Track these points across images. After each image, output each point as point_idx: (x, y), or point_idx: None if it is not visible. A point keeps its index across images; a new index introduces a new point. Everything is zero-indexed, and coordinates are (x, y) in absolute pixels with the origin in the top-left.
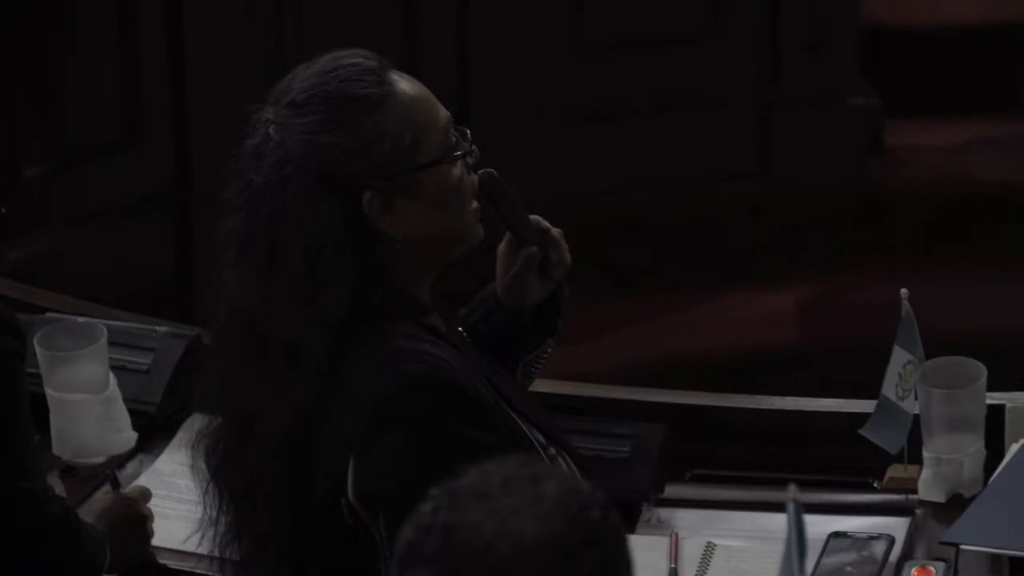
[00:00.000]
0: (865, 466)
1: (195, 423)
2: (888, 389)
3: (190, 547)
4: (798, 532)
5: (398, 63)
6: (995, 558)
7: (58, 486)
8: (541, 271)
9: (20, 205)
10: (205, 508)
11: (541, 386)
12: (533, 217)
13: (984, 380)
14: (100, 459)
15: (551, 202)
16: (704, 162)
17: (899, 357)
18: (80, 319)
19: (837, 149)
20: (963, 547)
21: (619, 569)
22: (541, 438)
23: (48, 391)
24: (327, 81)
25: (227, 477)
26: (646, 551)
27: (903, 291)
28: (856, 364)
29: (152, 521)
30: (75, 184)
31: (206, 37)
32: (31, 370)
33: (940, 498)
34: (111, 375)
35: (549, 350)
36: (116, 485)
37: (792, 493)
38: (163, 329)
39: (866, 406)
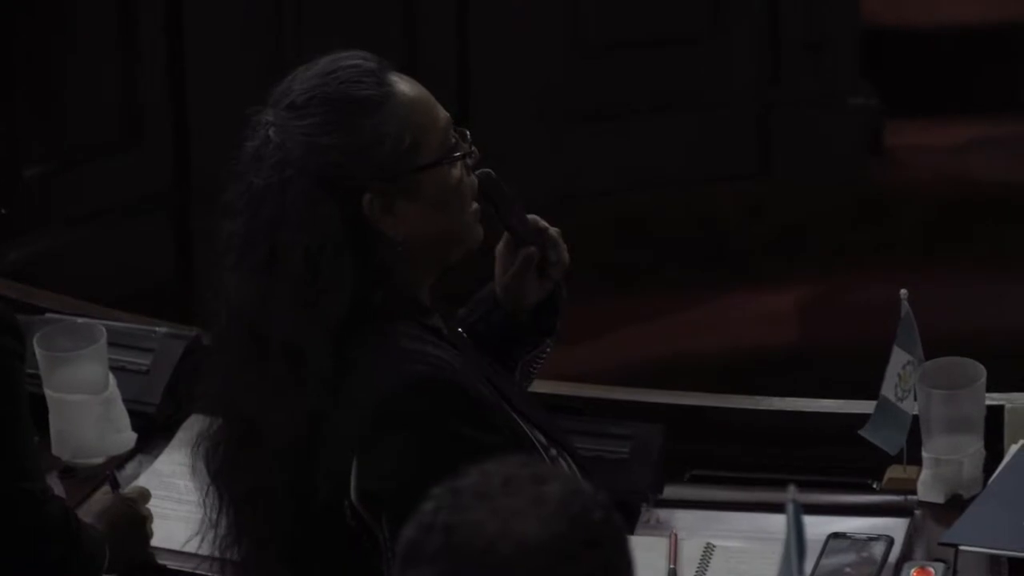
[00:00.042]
0: (864, 467)
1: (194, 424)
2: (887, 390)
3: (190, 548)
4: (797, 533)
5: (398, 63)
6: (994, 559)
7: (57, 487)
8: (539, 271)
9: (20, 205)
10: (205, 510)
11: (540, 386)
12: (531, 217)
13: (983, 381)
14: (99, 460)
15: (551, 202)
16: (704, 162)
17: (898, 358)
18: (79, 320)
19: (837, 149)
20: (962, 548)
21: (620, 570)
22: (542, 439)
23: (47, 392)
24: (326, 83)
25: (228, 480)
26: (645, 552)
27: (903, 292)
28: (856, 364)
29: (151, 522)
30: (75, 184)
31: (206, 37)
32: (30, 371)
33: (939, 499)
34: (110, 376)
35: (548, 350)
36: (115, 486)
37: (791, 494)
38: (162, 330)
39: (865, 407)
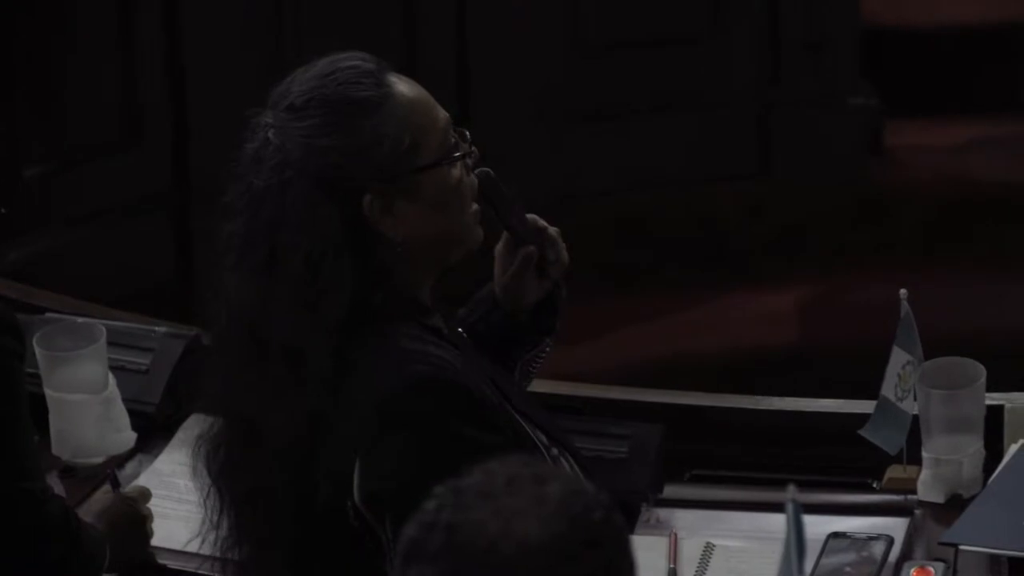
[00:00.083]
0: (864, 466)
1: (194, 423)
2: (887, 390)
3: (190, 548)
4: (797, 532)
5: (397, 64)
6: (994, 558)
7: (57, 486)
8: (539, 270)
9: (20, 205)
10: (206, 512)
11: (539, 386)
12: (530, 216)
13: (983, 381)
14: (99, 459)
15: (551, 202)
16: (704, 162)
17: (898, 358)
18: (79, 319)
19: (837, 149)
20: (962, 547)
21: (622, 570)
22: (544, 439)
23: (47, 391)
24: (325, 84)
25: (229, 481)
26: (645, 551)
27: (902, 292)
28: (856, 364)
29: (152, 521)
30: (75, 184)
31: (206, 37)
32: (30, 370)
33: (939, 498)
34: (110, 375)
35: (547, 350)
36: (116, 485)
37: (791, 493)
38: (162, 329)
39: (865, 406)
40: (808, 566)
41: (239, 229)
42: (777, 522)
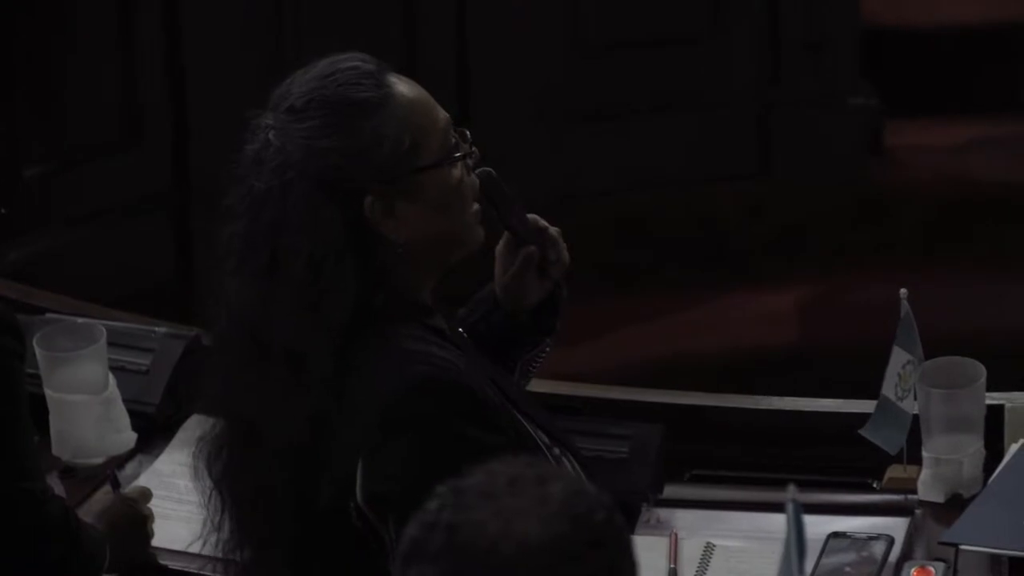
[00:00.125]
0: (864, 466)
1: (195, 424)
2: (888, 389)
3: (191, 548)
4: (797, 532)
5: (397, 64)
6: (994, 558)
7: (58, 487)
8: (540, 271)
9: (20, 205)
10: (208, 514)
11: (539, 386)
12: (531, 216)
13: (983, 380)
14: (99, 460)
15: (551, 202)
16: (704, 162)
17: (898, 357)
18: (79, 320)
19: (837, 149)
20: (962, 547)
21: (623, 571)
22: (545, 439)
23: (48, 392)
24: (325, 86)
25: (231, 484)
26: (645, 551)
27: (902, 291)
28: (856, 364)
29: (152, 521)
30: (75, 184)
31: (206, 37)
32: (30, 371)
33: (939, 498)
34: (110, 376)
35: (547, 350)
36: (116, 486)
37: (791, 493)
38: (162, 330)
39: (865, 406)
40: (808, 566)
41: (240, 231)
42: (777, 522)
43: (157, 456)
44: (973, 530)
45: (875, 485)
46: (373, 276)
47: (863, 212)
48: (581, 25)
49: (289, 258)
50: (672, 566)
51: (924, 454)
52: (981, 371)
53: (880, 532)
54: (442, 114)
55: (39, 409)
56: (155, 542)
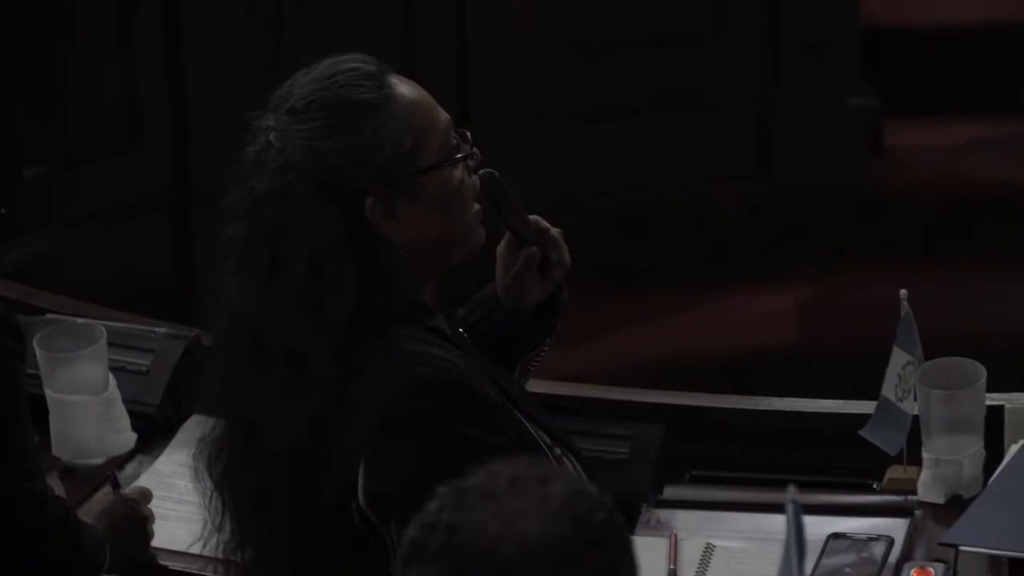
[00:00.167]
0: (864, 467)
1: (195, 424)
2: (888, 390)
3: (191, 549)
4: (797, 533)
5: (397, 64)
6: (994, 559)
7: (58, 487)
8: (541, 271)
9: (20, 205)
10: (209, 515)
11: (539, 387)
12: (532, 217)
13: (983, 381)
14: (99, 460)
15: (551, 202)
16: (704, 162)
17: (898, 358)
18: (79, 320)
19: (837, 149)
20: (962, 548)
21: (623, 571)
22: (547, 439)
23: (48, 392)
24: (326, 87)
25: (231, 485)
26: (645, 552)
27: (902, 292)
28: (856, 364)
29: (152, 522)
30: (75, 184)
31: (206, 37)
32: (31, 371)
33: (939, 499)
34: (110, 376)
35: (546, 350)
36: (116, 486)
37: (791, 494)
38: (162, 330)
39: (865, 407)
40: (808, 567)
41: (240, 233)
42: (777, 523)
43: (157, 457)
44: (973, 531)
45: (875, 486)
46: (374, 277)
47: (863, 212)
48: (581, 25)
49: (290, 259)
50: (672, 567)
51: (924, 455)
52: (981, 372)
53: (880, 533)
54: (443, 115)
55: (39, 409)
56: (155, 543)
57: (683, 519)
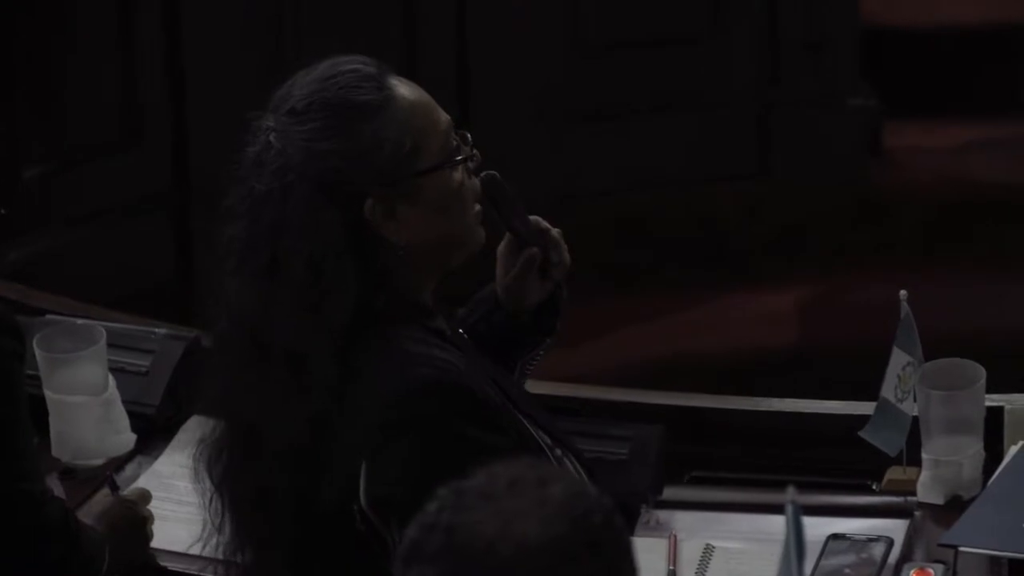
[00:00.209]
0: (864, 468)
1: (194, 425)
2: (887, 391)
3: (191, 550)
4: (797, 534)
5: (397, 64)
6: (994, 560)
7: (57, 488)
8: (541, 272)
9: (20, 205)
10: (209, 516)
11: (539, 388)
12: (533, 218)
13: (983, 382)
14: (99, 461)
15: (551, 202)
16: (704, 162)
17: (898, 359)
18: (79, 321)
19: (837, 149)
20: (962, 549)
21: (622, 573)
22: (548, 440)
23: (47, 393)
24: (326, 88)
25: (232, 486)
26: (645, 553)
27: (902, 293)
28: (856, 364)
29: (152, 523)
30: (75, 184)
31: (206, 37)
32: (30, 372)
33: (939, 500)
34: (110, 377)
35: (545, 350)
36: (115, 487)
37: (791, 495)
38: (162, 331)
39: (864, 408)
40: (808, 568)
41: (240, 233)
42: (777, 524)
43: (156, 458)
44: (972, 532)
45: (875, 487)
46: (374, 278)
47: (863, 212)
48: (581, 25)
49: (289, 260)
50: (671, 568)
51: (924, 456)
52: (981, 373)
53: (879, 534)
54: (443, 117)
55: (39, 410)
56: (154, 544)
57: (682, 520)
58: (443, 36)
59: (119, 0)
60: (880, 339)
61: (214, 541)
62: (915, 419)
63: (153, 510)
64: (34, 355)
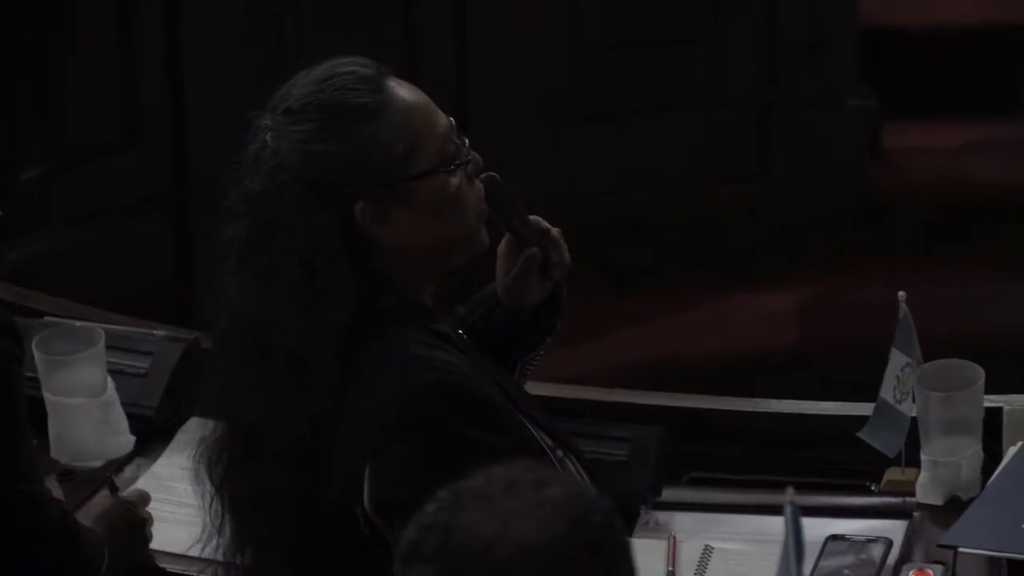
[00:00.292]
0: (862, 469)
1: (193, 427)
2: (886, 392)
3: (190, 552)
4: (796, 535)
5: (397, 64)
6: (993, 561)
7: (56, 490)
8: (541, 271)
9: (20, 205)
10: (209, 518)
11: (539, 389)
12: (533, 218)
13: (982, 383)
14: (98, 463)
15: (551, 202)
16: (704, 162)
17: (897, 360)
18: (78, 323)
19: (837, 149)
20: (961, 550)
21: (621, 574)
22: (549, 441)
23: (46, 395)
24: (323, 89)
25: (232, 487)
26: (644, 554)
27: (901, 294)
28: (856, 364)
29: (151, 525)
30: (75, 184)
31: (206, 37)
32: (29, 374)
33: (938, 501)
34: (109, 379)
35: (544, 349)
36: (114, 489)
37: (790, 496)
38: (161, 333)
39: (863, 409)
40: (807, 569)
41: (239, 233)
42: (776, 525)
43: (155, 459)
44: (971, 533)
45: (873, 488)
46: (371, 279)
47: (863, 212)
48: (581, 25)
49: (284, 260)
50: (670, 569)
51: (922, 457)
52: (979, 374)
53: (878, 535)
54: (442, 120)
55: (38, 412)
56: (154, 545)
57: (682, 521)
58: (443, 36)
59: (119, 0)
60: (880, 339)
61: (213, 543)
62: (914, 420)
63: (152, 512)
64: (33, 357)
